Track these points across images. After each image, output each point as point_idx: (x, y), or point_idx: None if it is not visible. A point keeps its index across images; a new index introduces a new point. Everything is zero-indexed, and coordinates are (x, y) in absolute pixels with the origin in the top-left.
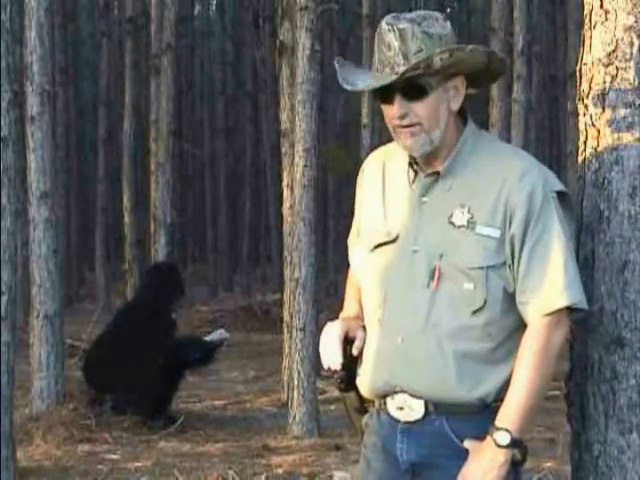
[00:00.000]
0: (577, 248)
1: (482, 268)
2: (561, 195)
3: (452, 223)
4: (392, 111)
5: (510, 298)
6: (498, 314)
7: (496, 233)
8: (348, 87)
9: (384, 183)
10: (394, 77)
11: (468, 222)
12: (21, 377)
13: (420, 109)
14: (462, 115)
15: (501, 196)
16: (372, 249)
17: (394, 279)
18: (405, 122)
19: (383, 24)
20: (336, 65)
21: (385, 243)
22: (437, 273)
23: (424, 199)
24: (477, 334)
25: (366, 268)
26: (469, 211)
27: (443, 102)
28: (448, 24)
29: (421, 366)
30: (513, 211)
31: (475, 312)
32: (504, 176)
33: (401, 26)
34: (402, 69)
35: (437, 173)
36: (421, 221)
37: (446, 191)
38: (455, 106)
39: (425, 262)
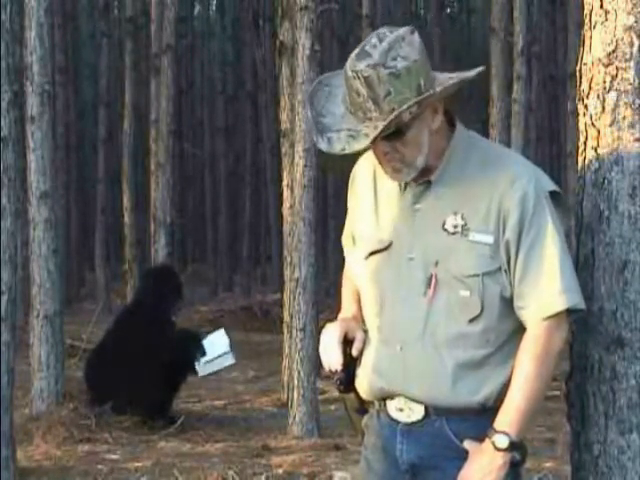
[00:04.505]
0: (577, 248)
1: (478, 275)
2: (553, 194)
3: (446, 230)
4: (374, 148)
5: (507, 303)
6: (495, 320)
7: (490, 239)
8: (323, 147)
9: (375, 189)
10: (367, 142)
11: (462, 228)
12: (21, 377)
13: (401, 146)
14: (449, 117)
15: (493, 201)
16: (366, 256)
17: (391, 287)
18: (388, 158)
19: (348, 71)
20: (308, 104)
21: (379, 251)
22: (433, 280)
23: (417, 206)
24: (475, 341)
25: (362, 275)
26: (462, 217)
27: (423, 130)
28: (416, 38)
29: (420, 374)
30: (506, 216)
31: (472, 320)
32: (495, 181)
33: (365, 74)
34: (374, 115)
35: (428, 181)
36: (415, 228)
37: (438, 198)
38: (436, 125)
39: (421, 270)
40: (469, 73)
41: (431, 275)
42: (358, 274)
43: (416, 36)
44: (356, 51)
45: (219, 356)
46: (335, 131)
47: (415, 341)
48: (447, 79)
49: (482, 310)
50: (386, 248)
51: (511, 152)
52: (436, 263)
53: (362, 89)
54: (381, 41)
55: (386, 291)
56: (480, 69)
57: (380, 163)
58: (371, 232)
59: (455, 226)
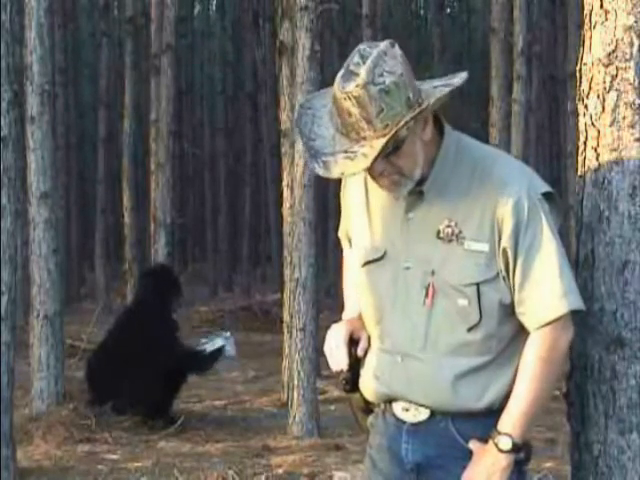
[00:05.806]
0: (577, 248)
1: (475, 284)
2: (546, 194)
3: (441, 238)
4: (368, 168)
5: (506, 308)
6: (495, 327)
7: (485, 247)
8: (320, 172)
9: (367, 197)
10: (367, 163)
11: (457, 237)
12: (21, 377)
13: (397, 160)
14: (437, 122)
15: (487, 209)
16: (362, 265)
17: (389, 297)
18: (386, 174)
19: (337, 93)
20: (297, 131)
21: (374, 260)
22: (431, 290)
23: (410, 215)
24: (476, 349)
25: (359, 283)
26: (456, 225)
27: (416, 141)
28: (397, 51)
29: (423, 385)
30: (501, 224)
31: (471, 328)
32: (487, 188)
33: (356, 94)
34: (368, 134)
35: (420, 191)
36: (409, 237)
37: (431, 207)
38: (427, 135)
39: (418, 279)
40: (456, 81)
41: (428, 284)
42: (355, 281)
43: (397, 49)
44: (341, 72)
45: (218, 341)
46: (330, 154)
47: (416, 353)
48: (432, 88)
49: (481, 318)
50: (381, 257)
51: (501, 154)
52: (432, 272)
53: (353, 109)
54: (364, 58)
55: (384, 300)
56: (464, 75)
57: (375, 179)
58: (365, 241)
59: (449, 233)
